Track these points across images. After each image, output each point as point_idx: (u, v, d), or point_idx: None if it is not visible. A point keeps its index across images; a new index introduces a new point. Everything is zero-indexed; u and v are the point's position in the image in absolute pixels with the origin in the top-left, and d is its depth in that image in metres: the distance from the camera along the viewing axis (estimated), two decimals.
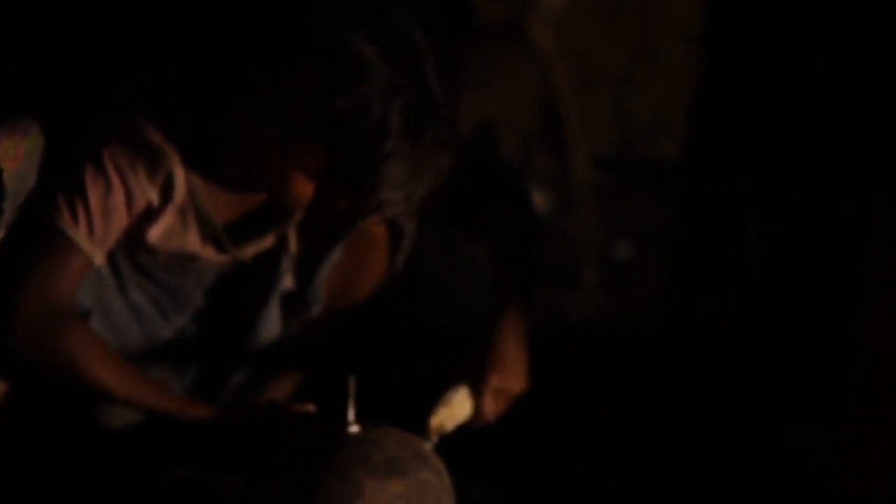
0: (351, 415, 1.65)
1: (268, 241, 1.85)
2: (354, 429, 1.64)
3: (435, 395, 1.83)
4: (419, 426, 1.75)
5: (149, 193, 1.70)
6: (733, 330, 2.78)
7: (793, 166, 2.90)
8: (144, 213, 1.73)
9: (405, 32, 1.62)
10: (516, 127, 2.98)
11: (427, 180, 1.65)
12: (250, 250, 1.84)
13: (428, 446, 1.69)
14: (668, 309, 2.98)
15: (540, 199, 2.92)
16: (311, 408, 1.73)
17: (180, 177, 1.71)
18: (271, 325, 1.92)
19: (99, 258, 1.70)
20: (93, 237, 1.68)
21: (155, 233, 1.75)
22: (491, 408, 1.84)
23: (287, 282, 1.89)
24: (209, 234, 1.78)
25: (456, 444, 1.77)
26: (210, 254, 1.81)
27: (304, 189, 1.66)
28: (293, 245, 1.88)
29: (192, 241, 1.78)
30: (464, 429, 1.83)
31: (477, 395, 1.83)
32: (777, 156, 2.93)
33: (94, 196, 1.67)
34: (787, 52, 2.95)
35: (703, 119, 3.11)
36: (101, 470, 1.86)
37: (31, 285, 1.66)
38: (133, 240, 1.76)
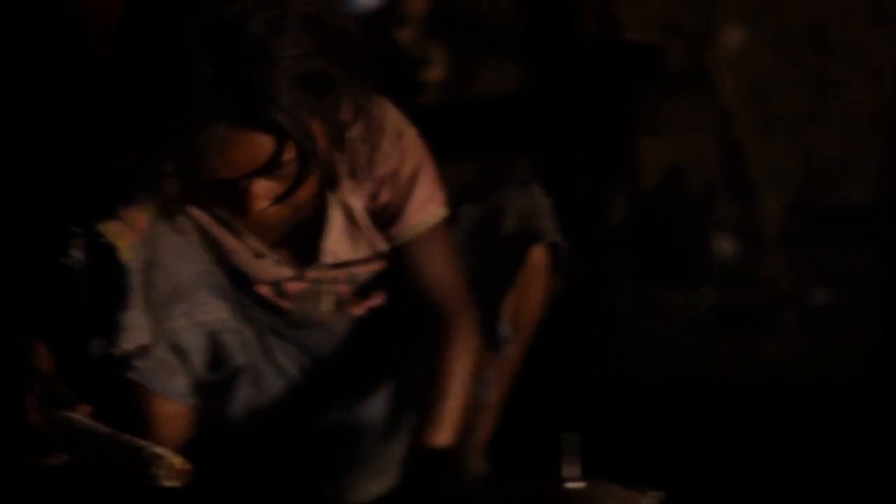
0: (572, 471, 1.61)
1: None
2: (577, 486, 1.60)
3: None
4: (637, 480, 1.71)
5: None
6: None
7: None
8: None
9: None
10: (699, 173, 2.95)
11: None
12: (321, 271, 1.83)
13: (647, 502, 1.64)
14: (871, 356, 2.88)
15: (726, 245, 2.88)
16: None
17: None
18: None
19: None
20: None
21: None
22: None
23: None
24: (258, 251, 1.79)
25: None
26: (287, 273, 1.81)
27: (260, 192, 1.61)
28: None
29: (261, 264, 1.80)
30: None
31: None
32: None
33: None
34: None
35: None
36: None
37: None
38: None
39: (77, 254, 1.69)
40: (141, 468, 1.54)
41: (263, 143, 1.55)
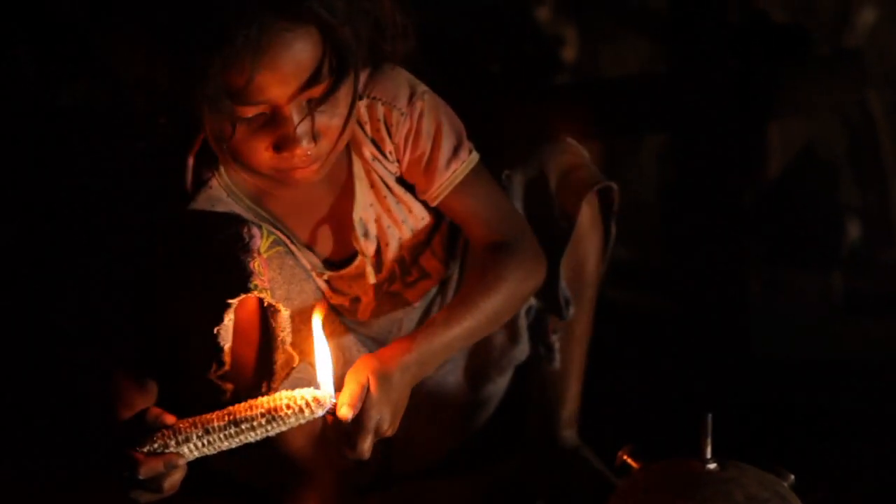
0: (708, 452, 1.63)
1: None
2: (713, 466, 1.62)
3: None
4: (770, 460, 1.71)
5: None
6: None
7: None
8: None
9: None
10: (828, 156, 2.92)
11: None
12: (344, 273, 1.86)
13: (786, 485, 1.66)
14: None
15: (855, 230, 2.85)
16: None
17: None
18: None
19: None
20: None
21: None
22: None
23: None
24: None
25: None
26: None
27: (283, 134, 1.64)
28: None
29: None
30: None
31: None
32: None
33: None
34: None
35: None
36: None
37: None
38: None
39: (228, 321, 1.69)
40: (283, 420, 1.55)
41: (304, 48, 1.58)
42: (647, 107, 2.71)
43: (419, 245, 1.90)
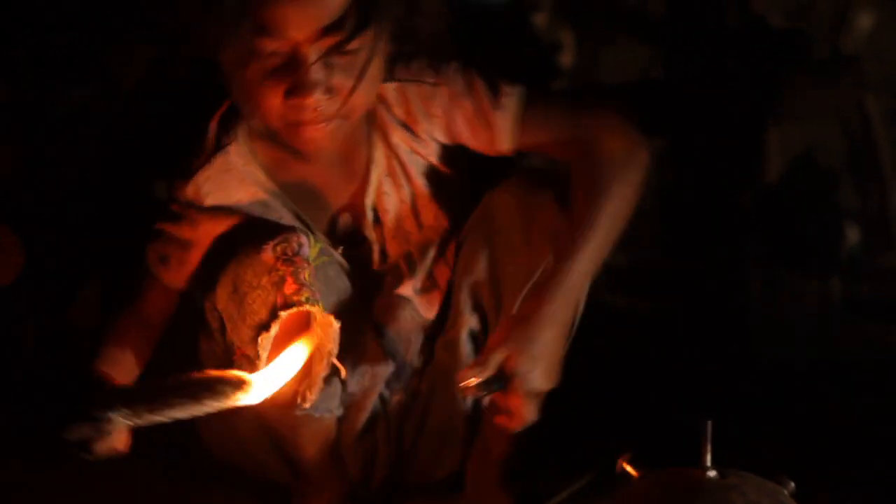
0: (708, 460, 1.62)
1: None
2: (713, 474, 1.61)
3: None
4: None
5: None
6: None
7: None
8: None
9: None
10: (827, 160, 2.92)
11: None
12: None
13: (786, 493, 1.65)
14: None
15: (854, 234, 2.85)
16: None
17: None
18: None
19: None
20: None
21: None
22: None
23: None
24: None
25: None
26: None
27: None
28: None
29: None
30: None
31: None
32: None
33: None
34: None
35: None
36: None
37: None
38: None
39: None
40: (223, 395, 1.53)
41: None
42: (645, 111, 2.71)
43: (429, 246, 1.89)
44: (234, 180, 1.80)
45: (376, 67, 1.72)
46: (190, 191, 1.79)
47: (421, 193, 1.86)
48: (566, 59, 2.99)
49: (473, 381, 1.65)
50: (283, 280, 1.64)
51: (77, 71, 2.25)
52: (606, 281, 2.05)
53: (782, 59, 2.76)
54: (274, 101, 1.68)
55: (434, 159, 1.86)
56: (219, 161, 1.80)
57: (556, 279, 1.68)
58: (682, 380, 2.41)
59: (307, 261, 1.69)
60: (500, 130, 1.80)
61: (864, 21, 2.88)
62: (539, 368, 1.65)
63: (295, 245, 1.69)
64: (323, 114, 1.69)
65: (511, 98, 1.80)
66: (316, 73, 1.65)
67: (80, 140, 2.25)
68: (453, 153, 1.87)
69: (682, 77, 2.62)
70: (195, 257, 1.78)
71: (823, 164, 2.89)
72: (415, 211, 1.87)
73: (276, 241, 1.69)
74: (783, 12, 2.87)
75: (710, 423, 1.63)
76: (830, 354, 2.56)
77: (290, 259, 1.67)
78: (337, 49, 1.65)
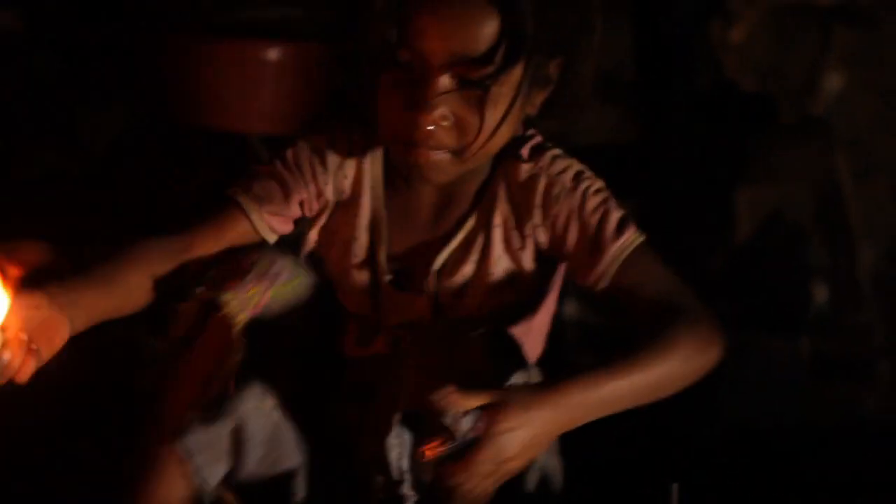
0: None
1: None
2: None
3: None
4: None
5: None
6: None
7: None
8: None
9: None
10: (795, 220, 2.94)
11: None
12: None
13: None
14: None
15: (823, 293, 2.87)
16: None
17: None
18: None
19: None
20: None
21: None
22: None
23: None
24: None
25: None
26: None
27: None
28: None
29: None
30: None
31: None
32: None
33: None
34: None
35: None
36: None
37: None
38: None
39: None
40: None
41: (478, 18, 1.54)
42: (615, 174, 2.72)
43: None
44: (355, 156, 1.76)
45: (513, 118, 1.63)
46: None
47: (479, 283, 1.76)
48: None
49: (441, 448, 1.49)
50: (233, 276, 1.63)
51: (48, 134, 2.26)
52: (574, 340, 2.06)
53: (752, 122, 2.78)
54: (392, 114, 1.62)
55: (521, 262, 1.76)
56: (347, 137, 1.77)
57: (588, 386, 1.58)
58: (648, 441, 2.41)
59: (269, 284, 1.65)
60: (607, 265, 1.69)
61: (834, 84, 2.91)
62: (524, 432, 1.51)
63: (269, 265, 1.66)
64: (437, 140, 1.60)
65: (632, 238, 1.71)
66: (440, 94, 1.57)
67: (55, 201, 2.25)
68: (533, 270, 1.77)
69: (650, 141, 2.63)
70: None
71: (792, 224, 2.90)
72: (461, 292, 1.76)
73: (257, 255, 1.67)
74: (754, 75, 2.90)
75: (675, 485, 1.64)
76: (800, 416, 2.56)
77: (261, 274, 1.64)
78: (472, 80, 1.58)
